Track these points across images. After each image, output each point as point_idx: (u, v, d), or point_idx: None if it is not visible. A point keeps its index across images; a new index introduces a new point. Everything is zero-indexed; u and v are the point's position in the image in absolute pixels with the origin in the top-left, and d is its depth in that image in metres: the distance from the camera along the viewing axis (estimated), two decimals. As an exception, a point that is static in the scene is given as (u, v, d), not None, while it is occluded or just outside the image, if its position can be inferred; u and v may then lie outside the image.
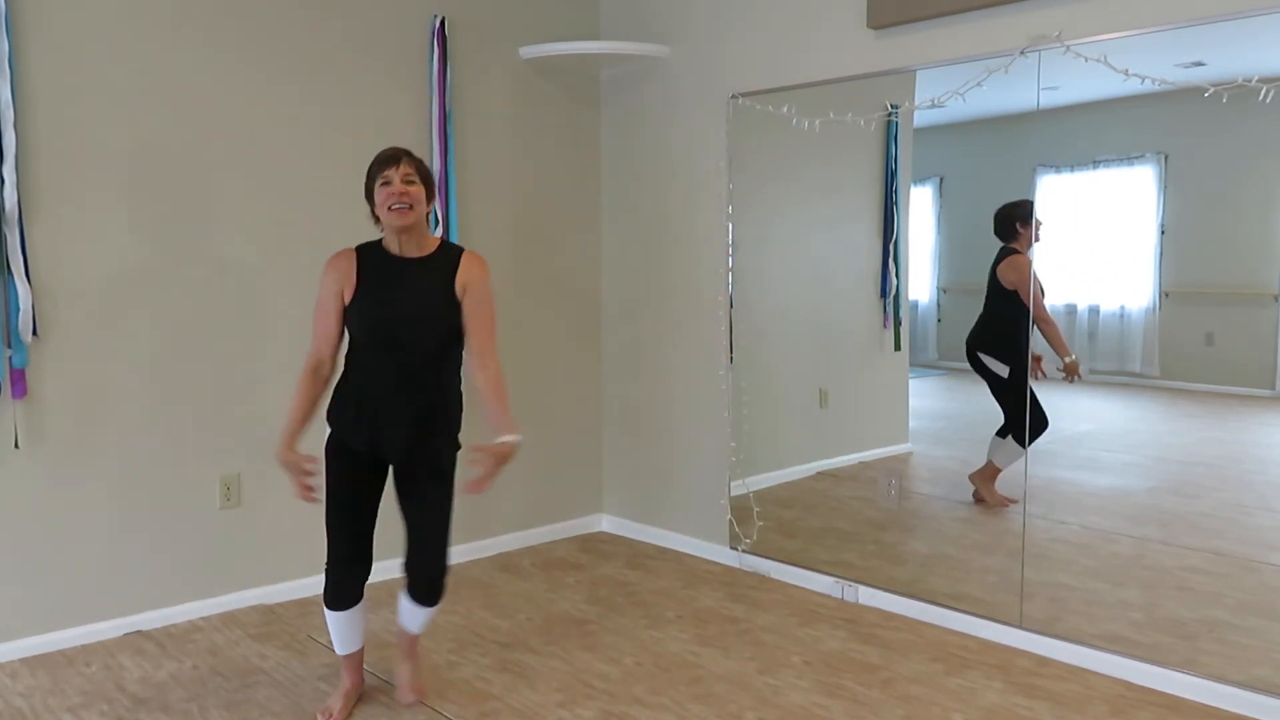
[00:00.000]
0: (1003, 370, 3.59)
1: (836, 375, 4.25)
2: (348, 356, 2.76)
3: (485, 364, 2.71)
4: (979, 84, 3.31)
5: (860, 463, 4.19)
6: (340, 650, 2.89)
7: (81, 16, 3.29)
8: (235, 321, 3.66)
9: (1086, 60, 3.04)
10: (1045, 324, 3.48)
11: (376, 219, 2.73)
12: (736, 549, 4.20)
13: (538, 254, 4.48)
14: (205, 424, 3.61)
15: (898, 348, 4.05)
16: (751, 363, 4.17)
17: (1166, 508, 3.49)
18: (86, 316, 3.36)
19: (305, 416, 2.71)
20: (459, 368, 2.80)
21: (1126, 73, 2.96)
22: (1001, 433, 3.61)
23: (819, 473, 4.23)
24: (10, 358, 3.19)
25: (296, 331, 3.77)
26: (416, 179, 2.67)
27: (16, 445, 3.25)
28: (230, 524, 3.70)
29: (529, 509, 4.54)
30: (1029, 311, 3.40)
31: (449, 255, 2.74)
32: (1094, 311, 3.62)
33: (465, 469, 2.66)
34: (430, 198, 2.72)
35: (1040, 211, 3.42)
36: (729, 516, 4.22)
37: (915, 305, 4.02)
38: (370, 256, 2.72)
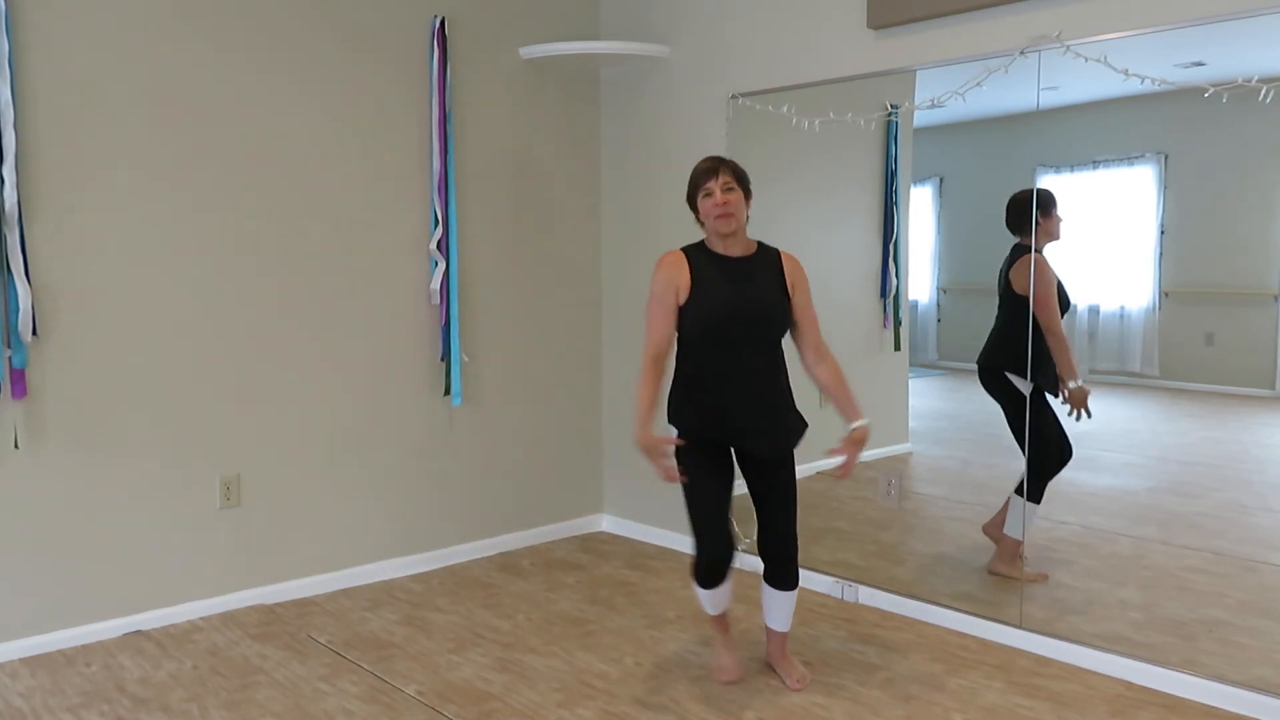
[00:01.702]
0: (1026, 389, 3.25)
1: (836, 375, 4.25)
2: (686, 358, 2.90)
3: (824, 356, 2.95)
4: (979, 84, 3.31)
5: (860, 463, 4.18)
6: (712, 611, 3.06)
7: (82, 16, 3.29)
8: (235, 321, 3.66)
9: (1086, 60, 3.04)
10: (1054, 338, 3.23)
11: (701, 223, 2.89)
12: (737, 549, 4.19)
13: (538, 254, 4.47)
14: (205, 424, 3.61)
15: (898, 348, 4.05)
16: (751, 363, 4.17)
17: (1166, 508, 3.49)
18: (86, 316, 3.36)
19: (654, 403, 2.83)
20: (784, 359, 2.95)
21: (1126, 73, 2.96)
22: (1020, 488, 3.31)
23: (819, 473, 4.23)
24: (10, 358, 3.19)
25: (297, 331, 3.78)
26: (735, 185, 2.82)
27: (16, 445, 3.25)
28: (230, 524, 3.70)
29: (529, 509, 4.54)
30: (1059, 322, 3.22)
31: (770, 255, 2.92)
32: (1094, 311, 3.61)
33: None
34: (749, 198, 2.87)
35: (1059, 204, 3.30)
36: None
37: (915, 305, 4.02)
38: (700, 257, 2.88)
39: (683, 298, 2.84)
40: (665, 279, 2.85)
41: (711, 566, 2.93)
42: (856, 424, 2.87)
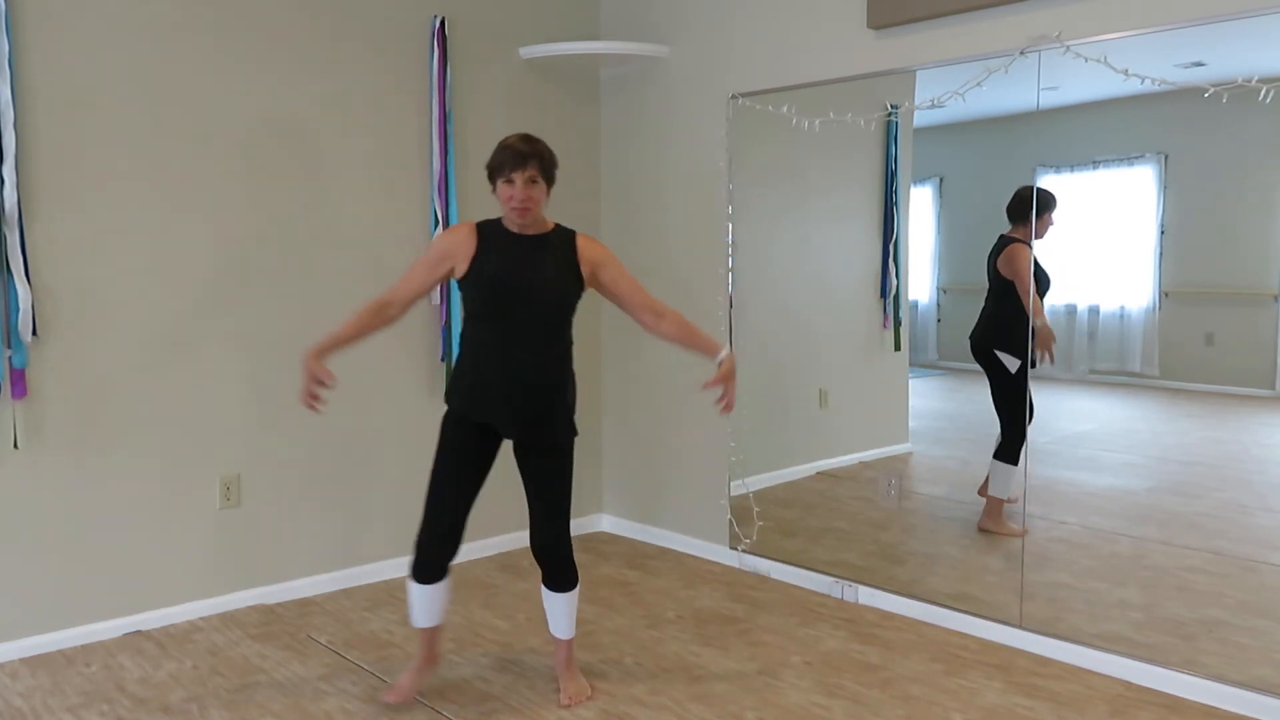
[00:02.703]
0: (1014, 365, 3.50)
1: (836, 375, 4.25)
2: (467, 331, 2.83)
3: (662, 312, 2.85)
4: (979, 84, 3.31)
5: (860, 463, 4.19)
6: (420, 623, 2.92)
7: (82, 17, 3.28)
8: (236, 321, 3.66)
9: (1086, 60, 3.04)
10: (1038, 316, 3.44)
11: (496, 195, 2.80)
12: (736, 549, 4.20)
13: (538, 254, 4.47)
14: (205, 424, 3.61)
15: (897, 348, 4.05)
16: (751, 363, 4.17)
17: (1166, 508, 3.49)
18: (86, 316, 3.35)
19: (348, 339, 2.77)
20: (571, 349, 2.87)
21: (1126, 73, 2.96)
22: (998, 453, 3.56)
23: (819, 473, 4.23)
24: (10, 358, 3.19)
25: (297, 331, 3.78)
26: (540, 178, 2.74)
27: (16, 445, 3.25)
28: (230, 524, 3.70)
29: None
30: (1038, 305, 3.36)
31: (564, 236, 2.85)
32: (1094, 311, 3.62)
33: (702, 398, 2.65)
34: (551, 185, 2.80)
35: (1059, 209, 3.37)
36: (729, 516, 4.22)
37: (915, 305, 4.02)
38: (491, 231, 2.81)
39: (461, 269, 2.75)
40: (445, 245, 2.79)
41: (428, 554, 2.83)
42: (720, 355, 2.80)
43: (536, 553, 2.90)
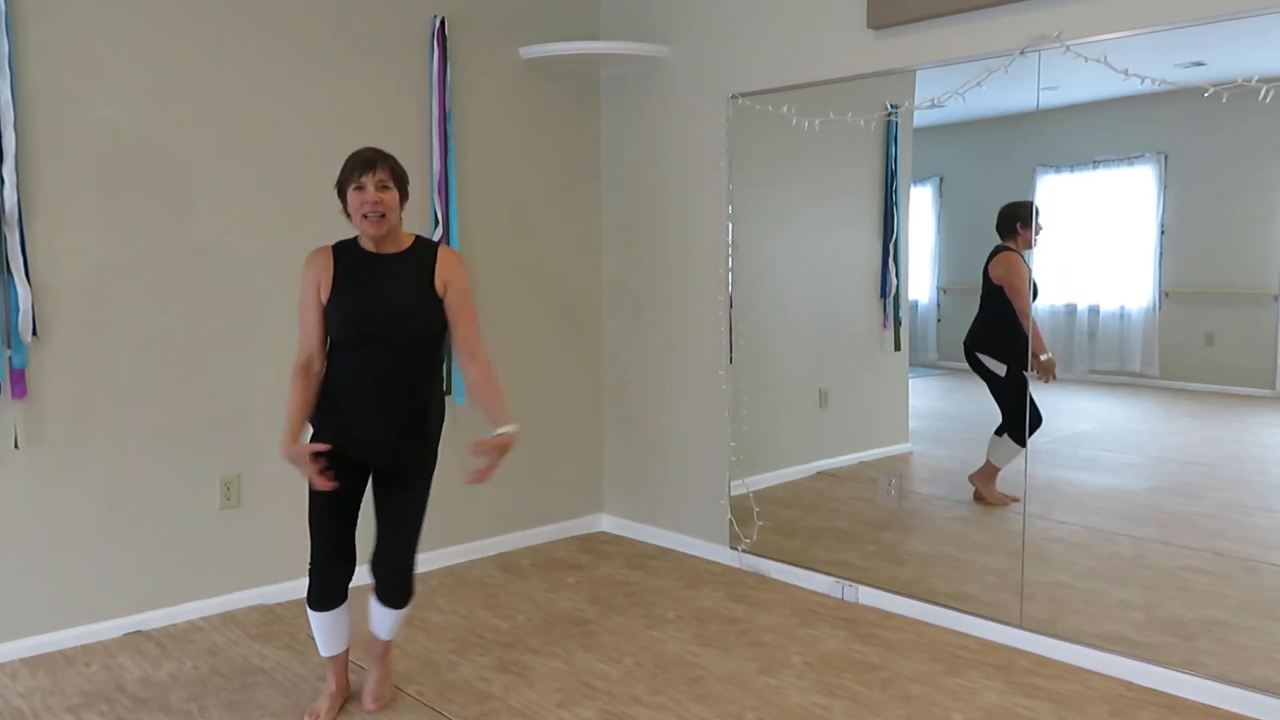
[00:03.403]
0: (1000, 369, 3.60)
1: (836, 375, 4.25)
2: (330, 357, 2.74)
3: (475, 355, 2.73)
4: (979, 84, 3.31)
5: (860, 463, 4.19)
6: (325, 652, 2.87)
7: (81, 17, 3.29)
8: (236, 321, 3.66)
9: (1086, 60, 3.04)
10: (1025, 320, 3.47)
11: (349, 215, 2.68)
12: (736, 549, 4.20)
13: (537, 254, 4.47)
14: (205, 424, 3.61)
15: (898, 348, 4.05)
16: (751, 363, 4.18)
17: (1166, 508, 3.49)
18: (86, 316, 3.36)
19: (304, 413, 2.71)
20: (439, 368, 2.81)
21: (1126, 73, 2.96)
22: (999, 431, 3.61)
23: (819, 473, 4.23)
24: (10, 358, 3.19)
25: (298, 331, 3.78)
26: (391, 184, 2.63)
27: (16, 445, 3.25)
28: (230, 524, 3.70)
29: (529, 509, 4.54)
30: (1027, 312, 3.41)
31: (425, 251, 2.73)
32: (1094, 311, 3.62)
33: (466, 462, 2.65)
34: (404, 199, 2.69)
35: (1043, 215, 3.43)
36: (729, 516, 4.22)
37: (915, 305, 4.02)
38: (346, 254, 2.70)
39: (325, 296, 2.66)
40: (309, 278, 2.67)
41: (320, 585, 2.76)
42: (504, 429, 2.62)
43: (378, 573, 2.79)
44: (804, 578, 3.96)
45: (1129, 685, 3.04)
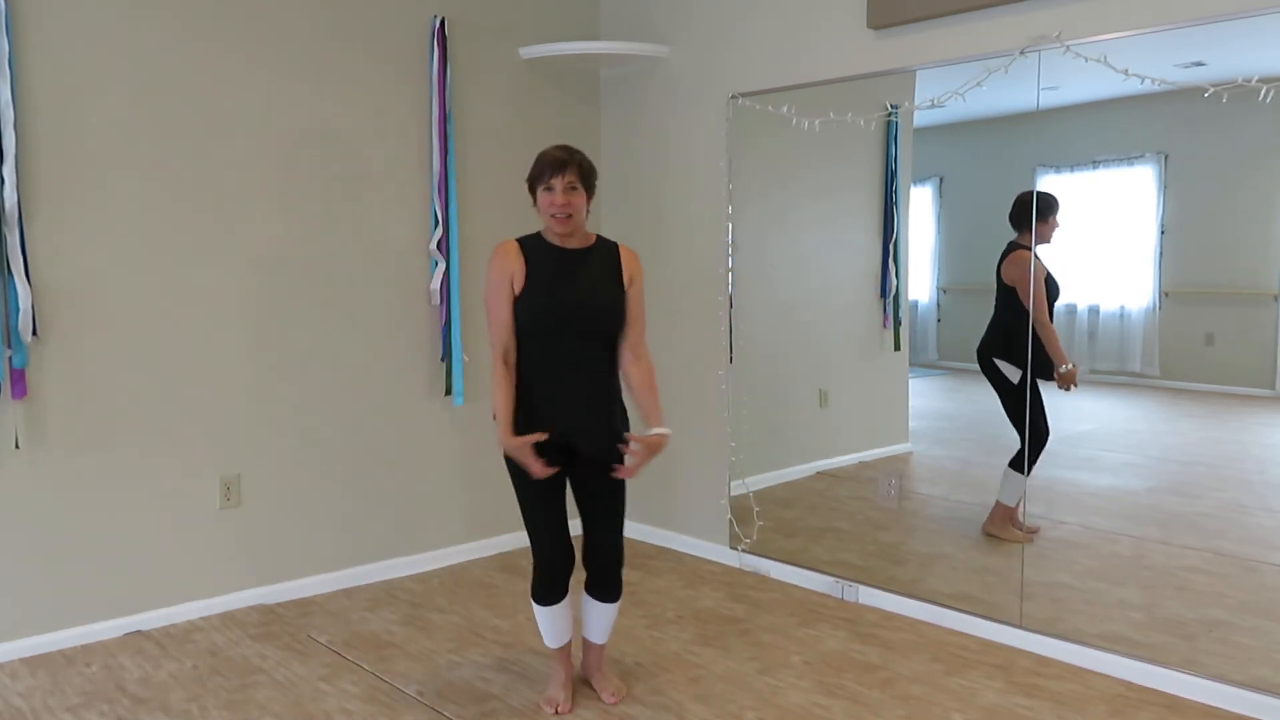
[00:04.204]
0: (1014, 375, 3.44)
1: (836, 375, 4.26)
2: (522, 349, 2.77)
3: (640, 354, 2.85)
4: (979, 84, 3.31)
5: (860, 463, 4.19)
6: (552, 644, 2.92)
7: (82, 17, 3.29)
8: (236, 321, 3.66)
9: (1086, 60, 3.04)
10: (1042, 328, 3.36)
11: (537, 210, 2.78)
12: (736, 549, 4.20)
13: (538, 254, 4.47)
14: (205, 424, 3.61)
15: (898, 348, 4.05)
16: (751, 363, 4.17)
17: (1166, 508, 3.49)
18: (86, 316, 3.36)
19: (513, 403, 2.73)
20: (618, 361, 2.87)
21: (1126, 73, 2.96)
22: (1014, 463, 3.46)
23: (819, 473, 4.24)
24: (10, 358, 3.19)
25: (297, 331, 3.78)
26: (579, 184, 2.72)
27: (16, 445, 3.25)
28: (230, 524, 3.70)
29: (529, 509, 4.53)
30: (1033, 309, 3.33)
31: (608, 248, 2.85)
32: (1094, 311, 3.62)
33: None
34: (591, 196, 2.77)
35: (1063, 212, 3.33)
36: (729, 516, 4.22)
37: (915, 305, 4.02)
38: (535, 249, 2.78)
39: (518, 289, 2.73)
40: (501, 271, 2.74)
41: (550, 575, 2.82)
42: (659, 430, 2.76)
43: (590, 564, 2.87)
44: (804, 578, 3.96)
45: (1129, 685, 3.04)
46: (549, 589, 2.84)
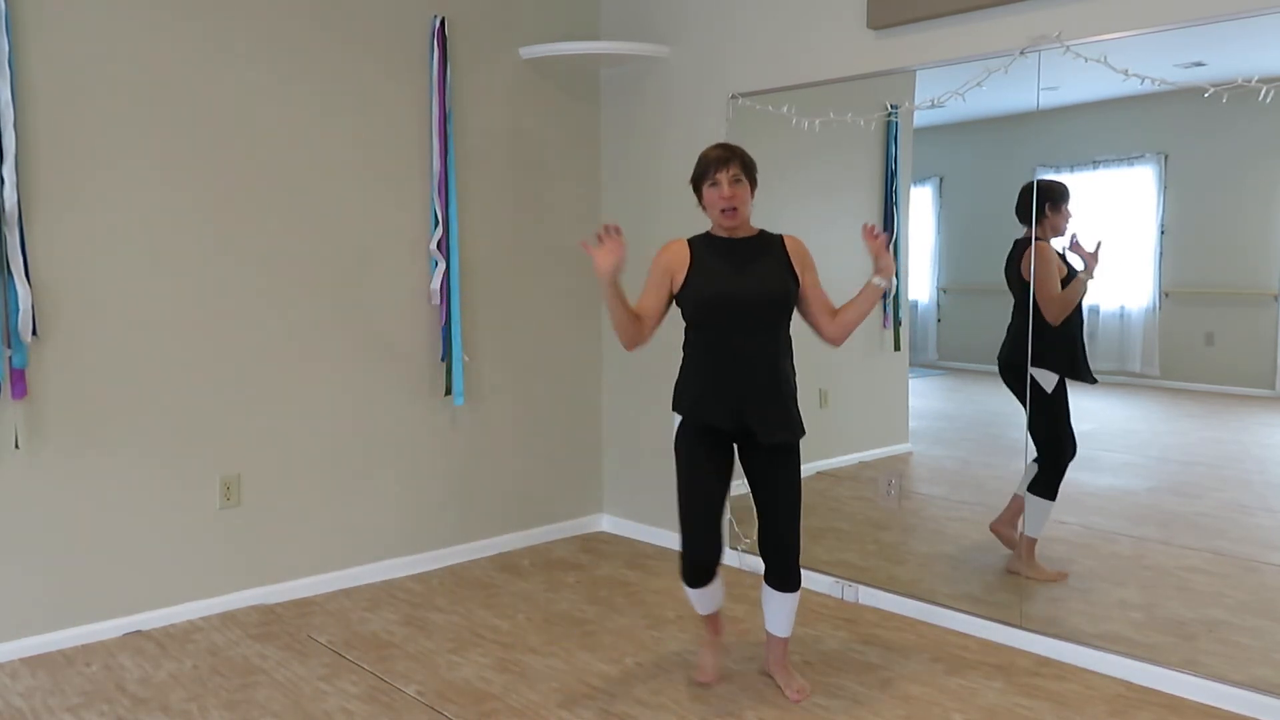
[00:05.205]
0: (1051, 383, 3.29)
1: (836, 375, 4.25)
2: (691, 339, 2.90)
3: (832, 309, 2.93)
4: (979, 84, 3.31)
5: (860, 463, 4.19)
6: (702, 610, 3.04)
7: (82, 16, 3.29)
8: (236, 321, 3.66)
9: (1086, 60, 3.04)
10: (1058, 303, 3.25)
11: (703, 208, 2.89)
12: (736, 549, 4.19)
13: (538, 253, 4.47)
14: (205, 424, 3.61)
15: (897, 348, 4.05)
16: (751, 363, 4.17)
17: (1166, 508, 3.49)
18: (86, 316, 3.36)
19: (621, 302, 2.77)
20: (791, 345, 2.93)
21: (1126, 73, 2.96)
22: (1034, 485, 3.34)
23: (819, 473, 4.23)
24: (10, 358, 3.19)
25: (297, 331, 3.78)
26: (743, 176, 2.82)
27: (16, 445, 3.25)
28: (230, 524, 3.70)
29: (529, 509, 4.54)
30: (1075, 302, 3.25)
31: (772, 238, 2.92)
32: (1094, 311, 3.61)
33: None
34: (754, 188, 2.87)
35: (1075, 203, 3.28)
36: (729, 516, 4.21)
37: (915, 305, 4.02)
38: (704, 244, 2.89)
39: (679, 282, 2.85)
40: (663, 262, 2.87)
41: (696, 567, 2.91)
42: (877, 278, 2.88)
43: (767, 554, 2.93)
44: (804, 578, 3.94)
45: (1129, 685, 3.04)
46: (695, 577, 2.93)
